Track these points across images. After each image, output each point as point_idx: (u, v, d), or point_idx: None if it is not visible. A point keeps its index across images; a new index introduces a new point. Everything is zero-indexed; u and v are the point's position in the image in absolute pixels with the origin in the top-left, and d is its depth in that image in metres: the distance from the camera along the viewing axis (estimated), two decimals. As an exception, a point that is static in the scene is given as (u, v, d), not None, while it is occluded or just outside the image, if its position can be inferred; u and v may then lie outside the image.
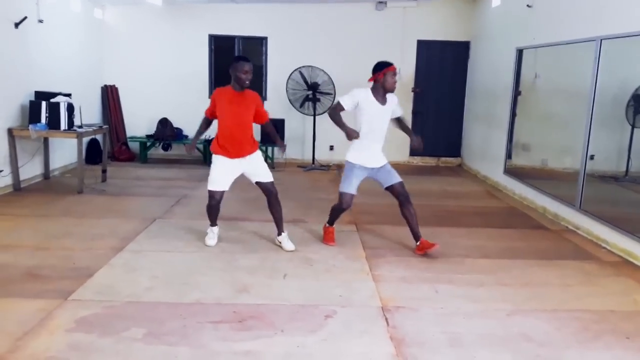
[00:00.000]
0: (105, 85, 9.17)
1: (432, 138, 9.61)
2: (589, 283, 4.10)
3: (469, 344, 3.07)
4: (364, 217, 5.70)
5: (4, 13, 6.24)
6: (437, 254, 4.60)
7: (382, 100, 4.40)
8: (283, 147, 4.81)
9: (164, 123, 9.09)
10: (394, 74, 4.34)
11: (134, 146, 9.28)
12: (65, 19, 7.78)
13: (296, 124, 9.25)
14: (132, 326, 3.13)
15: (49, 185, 6.98)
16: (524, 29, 6.95)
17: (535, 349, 3.04)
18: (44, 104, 6.36)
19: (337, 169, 8.59)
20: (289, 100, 8.77)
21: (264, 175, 4.53)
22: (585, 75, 5.31)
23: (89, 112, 7.92)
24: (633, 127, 5.01)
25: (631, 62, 5.04)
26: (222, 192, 4.48)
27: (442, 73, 9.51)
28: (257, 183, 4.56)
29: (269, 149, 9.00)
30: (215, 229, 4.71)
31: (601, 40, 5.07)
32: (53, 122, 6.38)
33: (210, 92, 9.28)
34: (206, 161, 4.73)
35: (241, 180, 4.60)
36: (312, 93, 8.74)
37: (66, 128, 6.46)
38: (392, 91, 4.39)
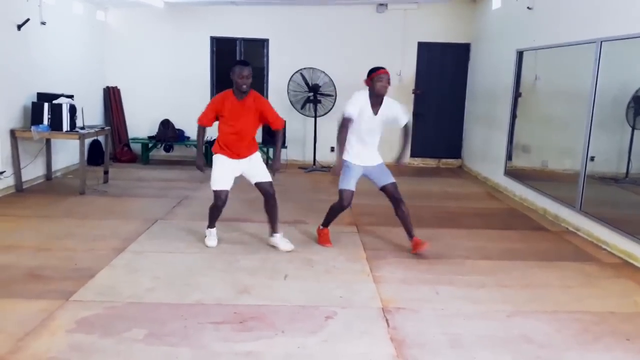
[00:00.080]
0: (108, 87, 9.19)
1: (433, 139, 9.67)
2: (589, 285, 4.11)
3: (469, 345, 3.07)
4: (364, 219, 5.71)
5: (7, 15, 6.28)
6: (437, 254, 4.63)
7: (376, 106, 4.42)
8: (276, 169, 4.67)
9: (165, 124, 9.11)
10: (382, 77, 4.32)
11: (136, 147, 9.31)
12: (67, 21, 7.82)
13: (297, 126, 9.26)
14: (133, 327, 3.14)
15: (51, 186, 7.00)
16: (524, 31, 6.97)
17: (536, 351, 3.04)
18: (46, 105, 6.38)
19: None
20: (290, 101, 8.78)
21: (263, 175, 4.53)
22: (585, 77, 5.32)
23: (91, 114, 7.94)
24: (633, 128, 5.01)
25: (631, 64, 5.05)
26: (227, 192, 4.48)
27: (443, 75, 9.52)
28: (256, 184, 4.56)
29: (270, 150, 9.02)
30: (214, 230, 4.72)
31: (601, 42, 5.08)
32: (55, 124, 6.40)
33: (212, 94, 9.33)
34: (208, 162, 4.76)
35: (241, 182, 4.62)
36: (313, 95, 8.76)
37: (68, 129, 6.48)
38: (381, 95, 4.38)
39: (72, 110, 6.55)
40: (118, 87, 9.35)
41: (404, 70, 9.28)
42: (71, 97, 6.82)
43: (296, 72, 8.79)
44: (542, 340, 3.17)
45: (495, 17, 8.24)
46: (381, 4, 9.15)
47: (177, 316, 3.30)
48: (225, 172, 4.45)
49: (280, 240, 4.65)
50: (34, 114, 6.40)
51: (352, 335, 3.16)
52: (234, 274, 4.05)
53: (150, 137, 9.26)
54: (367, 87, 4.42)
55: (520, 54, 7.06)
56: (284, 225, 5.38)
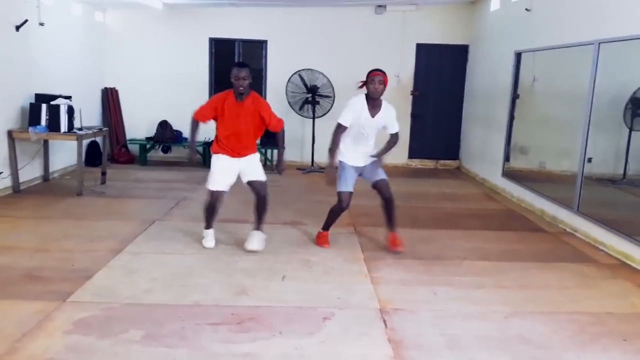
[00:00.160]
0: (106, 88, 9.19)
1: (431, 140, 9.68)
2: (587, 285, 4.11)
3: (467, 346, 3.08)
4: (362, 220, 5.71)
5: (5, 16, 6.27)
6: (434, 255, 4.65)
7: (372, 111, 4.44)
8: (281, 169, 4.75)
9: (163, 125, 9.10)
10: (373, 79, 4.34)
11: (134, 148, 9.30)
12: (66, 22, 7.81)
13: (295, 127, 9.26)
14: (130, 328, 3.13)
15: (49, 187, 6.99)
16: (523, 33, 6.98)
17: (533, 352, 3.05)
18: (44, 106, 6.37)
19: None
20: (289, 103, 8.79)
21: (257, 174, 4.50)
22: (583, 79, 5.33)
23: (89, 115, 7.94)
24: (631, 130, 5.02)
25: (629, 66, 5.06)
26: (223, 193, 4.48)
27: (441, 76, 9.53)
28: (248, 183, 4.53)
29: (268, 151, 9.03)
30: (211, 231, 4.71)
31: (599, 43, 5.09)
32: (53, 125, 6.39)
33: (210, 95, 9.30)
34: (206, 163, 4.76)
35: (240, 183, 4.61)
36: (312, 96, 8.76)
37: (66, 130, 6.47)
38: (375, 96, 4.39)
39: (70, 111, 6.55)
40: (116, 88, 9.34)
41: (402, 71, 9.29)
42: (69, 98, 6.81)
43: (294, 73, 8.79)
44: (540, 341, 3.17)
45: (493, 18, 8.25)
46: (380, 6, 9.16)
47: (174, 317, 3.30)
48: (223, 173, 4.44)
49: (254, 237, 4.61)
50: (32, 115, 6.39)
51: (349, 336, 3.16)
52: (231, 275, 4.05)
53: (148, 138, 9.25)
54: (364, 90, 4.47)
55: (518, 56, 7.07)
56: (282, 226, 5.40)
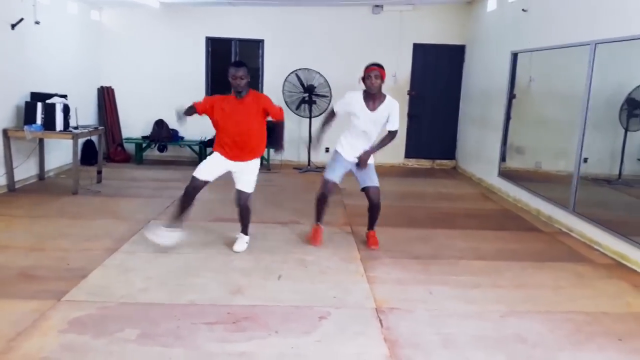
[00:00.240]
0: (102, 87, 9.16)
1: (428, 140, 9.69)
2: (582, 285, 4.13)
3: (462, 345, 3.08)
4: (359, 219, 5.69)
5: (1, 14, 6.24)
6: (431, 255, 4.66)
7: (372, 104, 4.45)
8: (280, 148, 4.79)
9: (159, 124, 9.08)
10: (370, 75, 4.34)
11: (130, 147, 9.27)
12: (61, 21, 7.78)
13: (292, 126, 9.24)
14: (126, 327, 3.12)
15: (44, 186, 6.97)
16: (519, 33, 6.99)
17: (529, 351, 3.05)
18: (39, 104, 6.35)
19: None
20: (285, 102, 8.77)
21: (246, 184, 4.45)
22: (579, 79, 5.34)
23: (85, 113, 7.91)
24: (626, 130, 5.04)
25: (625, 66, 5.08)
26: (204, 183, 4.37)
27: (438, 76, 9.54)
28: (237, 190, 4.48)
29: (265, 150, 9.01)
30: (177, 232, 4.49)
31: (595, 44, 5.11)
32: (48, 123, 6.37)
33: (207, 94, 9.31)
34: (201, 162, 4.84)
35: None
36: (308, 95, 8.76)
37: (62, 129, 6.45)
38: (372, 91, 4.40)
39: (66, 109, 6.53)
40: (112, 87, 9.32)
41: (399, 71, 9.30)
42: (65, 96, 6.79)
43: (291, 72, 8.79)
44: (536, 340, 3.18)
45: (490, 19, 8.27)
46: (377, 5, 9.17)
47: (170, 316, 3.29)
48: (212, 165, 4.41)
49: (239, 240, 4.61)
50: (27, 114, 6.37)
51: (345, 335, 3.16)
52: (227, 275, 4.04)
53: (144, 137, 9.24)
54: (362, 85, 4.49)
55: (514, 56, 7.09)
56: (279, 226, 5.40)
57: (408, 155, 9.76)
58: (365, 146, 4.57)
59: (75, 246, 4.55)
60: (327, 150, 9.09)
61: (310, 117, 8.85)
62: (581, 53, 5.31)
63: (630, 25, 4.61)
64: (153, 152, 9.28)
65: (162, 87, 9.28)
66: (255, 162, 4.51)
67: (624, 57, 4.98)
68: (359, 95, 4.46)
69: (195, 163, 8.77)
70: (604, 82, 5.13)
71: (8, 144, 6.33)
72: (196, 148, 9.10)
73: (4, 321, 3.15)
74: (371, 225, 4.87)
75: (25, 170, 6.82)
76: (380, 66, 4.39)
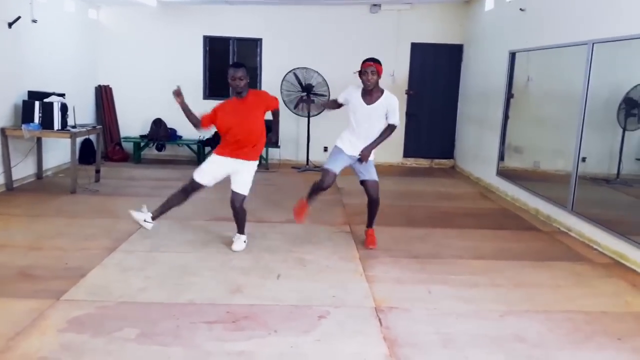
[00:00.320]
0: (99, 86, 9.14)
1: (426, 140, 9.70)
2: (581, 284, 4.13)
3: (462, 345, 3.08)
4: (358, 218, 5.69)
5: (-3, 12, 6.23)
6: (429, 254, 4.67)
7: (368, 99, 4.46)
8: (275, 138, 4.74)
9: (157, 123, 9.07)
10: (366, 71, 4.35)
11: (128, 146, 9.26)
12: (59, 19, 7.76)
13: (290, 125, 9.25)
14: (124, 326, 3.12)
15: (42, 185, 6.95)
16: (517, 33, 7.00)
17: (528, 350, 3.06)
18: (37, 103, 6.33)
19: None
20: (283, 101, 8.76)
21: (241, 186, 4.43)
22: (577, 78, 5.35)
23: (83, 112, 7.88)
24: (624, 129, 5.05)
25: (623, 66, 5.09)
26: (202, 187, 4.43)
27: (436, 75, 9.55)
28: (232, 190, 4.45)
29: (268, 152, 9.01)
30: (150, 224, 4.49)
31: (593, 43, 5.11)
32: (46, 122, 6.35)
33: (205, 93, 9.32)
34: (200, 162, 4.79)
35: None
36: (307, 94, 8.75)
37: (59, 128, 6.43)
38: (368, 87, 4.41)
39: (64, 108, 6.51)
40: (110, 86, 9.30)
41: (397, 70, 9.30)
42: (62, 95, 6.77)
43: (289, 71, 8.78)
44: (535, 339, 3.18)
45: (488, 18, 8.27)
46: (375, 5, 9.17)
47: (169, 316, 3.29)
48: (214, 169, 4.42)
49: (237, 240, 4.61)
50: (25, 113, 6.35)
51: (345, 334, 3.16)
52: (226, 274, 4.04)
53: (142, 136, 9.22)
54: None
55: (512, 55, 7.09)
56: (278, 225, 5.39)
57: (406, 154, 9.76)
58: (367, 141, 4.56)
59: (74, 245, 4.54)
60: (325, 149, 9.12)
61: (308, 116, 8.84)
62: (579, 53, 5.31)
63: (628, 25, 4.61)
64: (151, 151, 9.26)
65: (159, 86, 9.19)
66: (253, 164, 4.50)
67: (622, 56, 4.99)
68: (358, 90, 4.50)
69: (193, 162, 8.83)
70: (601, 81, 5.13)
71: (6, 143, 6.31)
72: (194, 147, 9.09)
73: (2, 320, 3.14)
74: (370, 222, 4.85)
75: (23, 169, 6.80)
76: (376, 61, 4.38)
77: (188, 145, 9.15)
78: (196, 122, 4.46)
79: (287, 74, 8.77)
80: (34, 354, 2.79)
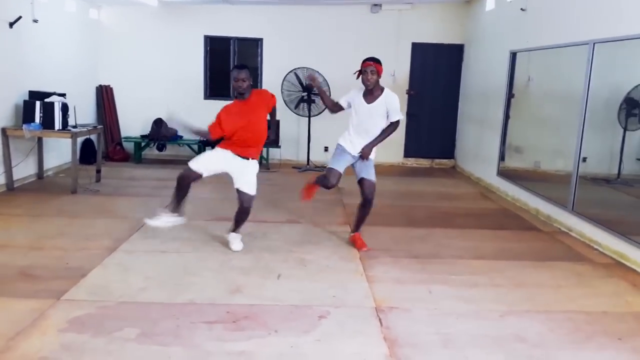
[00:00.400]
0: (100, 85, 9.15)
1: (426, 140, 9.70)
2: (582, 284, 4.13)
3: (462, 345, 3.08)
4: (358, 219, 5.70)
5: (-2, 12, 6.23)
6: (430, 254, 4.66)
7: (369, 98, 4.47)
8: (273, 136, 4.74)
9: (158, 123, 9.07)
10: (365, 70, 4.35)
11: (129, 146, 9.26)
12: (60, 19, 7.76)
13: (291, 125, 9.25)
14: (125, 326, 3.12)
15: (43, 185, 6.96)
16: (518, 32, 6.99)
17: (528, 350, 3.05)
18: (38, 103, 6.34)
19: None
20: (284, 101, 8.77)
21: (249, 185, 4.40)
22: (578, 78, 5.35)
23: (84, 112, 7.89)
24: (625, 130, 5.04)
25: (624, 66, 5.08)
26: (198, 177, 4.35)
27: (437, 75, 9.54)
28: (238, 190, 4.41)
29: (263, 149, 9.01)
30: (178, 218, 4.45)
31: (594, 43, 5.11)
32: (47, 122, 6.36)
33: (205, 93, 9.30)
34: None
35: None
36: (307, 94, 8.76)
37: (60, 128, 6.44)
38: (368, 87, 4.42)
39: (64, 108, 6.51)
40: (111, 86, 9.30)
41: (397, 70, 9.30)
42: (63, 95, 6.77)
43: (290, 71, 8.78)
44: (535, 339, 3.18)
45: (488, 18, 8.27)
46: (375, 4, 9.16)
47: (169, 316, 3.29)
48: (213, 159, 4.39)
49: (234, 239, 4.60)
50: (26, 112, 6.36)
51: (345, 334, 3.16)
52: (227, 274, 4.04)
53: (143, 136, 9.23)
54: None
55: (513, 55, 7.09)
56: (278, 225, 5.39)
57: (407, 154, 9.76)
58: (364, 142, 4.56)
59: (75, 245, 4.54)
60: (326, 149, 9.12)
61: (309, 116, 8.84)
62: (580, 52, 5.31)
63: (629, 25, 4.61)
64: (152, 151, 9.26)
65: (160, 85, 9.27)
66: (255, 163, 4.50)
67: (623, 56, 4.98)
68: (360, 92, 4.53)
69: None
70: (602, 81, 5.13)
71: (7, 143, 6.31)
72: (195, 147, 9.08)
73: (3, 320, 3.14)
74: (358, 226, 4.80)
75: (24, 169, 6.80)
76: (376, 61, 4.37)
77: (189, 145, 9.15)
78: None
79: (287, 74, 8.77)
80: (34, 354, 2.79)
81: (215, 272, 4.07)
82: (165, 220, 4.44)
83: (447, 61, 9.48)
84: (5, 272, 3.90)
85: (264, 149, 8.93)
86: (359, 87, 4.52)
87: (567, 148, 5.60)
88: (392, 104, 4.47)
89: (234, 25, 9.26)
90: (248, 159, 4.42)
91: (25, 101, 6.42)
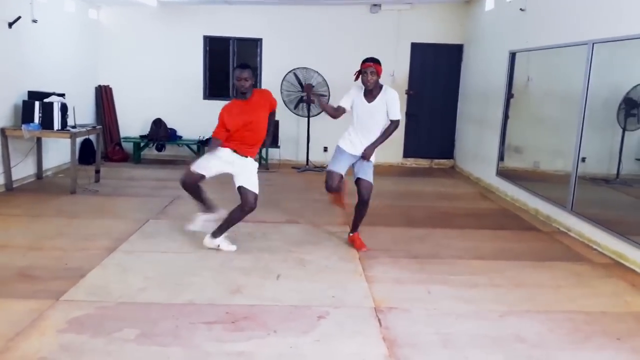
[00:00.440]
0: (99, 86, 9.14)
1: (426, 140, 9.70)
2: (581, 284, 4.13)
3: (461, 345, 3.08)
4: (357, 219, 5.70)
5: (-3, 12, 6.23)
6: (429, 254, 4.66)
7: (369, 97, 4.48)
8: (268, 142, 4.70)
9: (157, 123, 9.07)
10: (365, 71, 4.35)
11: (128, 146, 9.26)
12: (59, 19, 7.76)
13: (290, 126, 9.25)
14: (124, 327, 3.12)
15: (42, 185, 6.95)
16: (517, 33, 7.00)
17: (528, 350, 3.05)
18: (37, 103, 6.33)
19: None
20: (283, 101, 8.76)
21: (252, 184, 4.37)
22: (577, 79, 5.35)
23: (83, 112, 7.88)
24: (624, 130, 5.04)
25: (623, 66, 5.08)
26: (200, 177, 4.35)
27: (436, 76, 9.55)
28: (240, 188, 4.36)
29: (262, 150, 9.01)
30: (215, 214, 4.50)
31: (593, 44, 5.11)
32: (46, 122, 6.35)
33: (205, 93, 9.30)
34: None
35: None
36: (307, 95, 8.75)
37: (59, 128, 6.43)
38: (368, 87, 4.42)
39: (64, 108, 6.51)
40: (110, 86, 9.30)
41: (397, 70, 9.30)
42: (62, 95, 6.77)
43: (289, 71, 8.78)
44: (534, 339, 3.18)
45: (488, 18, 8.27)
46: (375, 4, 9.17)
47: (168, 316, 3.29)
48: (215, 161, 4.38)
49: (222, 241, 4.56)
50: (25, 113, 6.35)
51: (344, 335, 3.16)
52: (226, 274, 4.03)
53: (142, 136, 9.22)
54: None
55: (512, 55, 7.09)
56: (278, 225, 5.39)
57: (406, 154, 9.76)
58: (367, 142, 4.57)
59: (74, 246, 4.54)
60: (325, 149, 9.12)
61: (308, 117, 8.84)
62: (579, 53, 5.31)
63: (628, 25, 4.61)
64: (151, 152, 9.25)
65: (160, 86, 9.27)
66: (254, 162, 4.50)
67: (622, 56, 4.99)
68: (360, 91, 4.53)
69: (193, 162, 8.82)
70: (601, 81, 5.13)
71: (6, 143, 6.31)
72: (194, 147, 9.08)
73: (2, 321, 3.14)
74: (356, 226, 4.80)
75: (23, 170, 6.80)
76: (375, 61, 4.37)
77: (188, 145, 9.14)
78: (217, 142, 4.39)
79: (287, 74, 8.77)
80: (33, 354, 2.79)
81: (214, 272, 4.07)
82: (203, 220, 4.54)
83: (446, 61, 9.49)
84: (4, 272, 3.89)
85: (263, 149, 8.95)
86: (359, 85, 4.53)
87: (566, 148, 5.60)
88: (391, 100, 4.48)
89: (233, 25, 9.26)
90: (247, 157, 4.43)
91: (24, 101, 6.42)
